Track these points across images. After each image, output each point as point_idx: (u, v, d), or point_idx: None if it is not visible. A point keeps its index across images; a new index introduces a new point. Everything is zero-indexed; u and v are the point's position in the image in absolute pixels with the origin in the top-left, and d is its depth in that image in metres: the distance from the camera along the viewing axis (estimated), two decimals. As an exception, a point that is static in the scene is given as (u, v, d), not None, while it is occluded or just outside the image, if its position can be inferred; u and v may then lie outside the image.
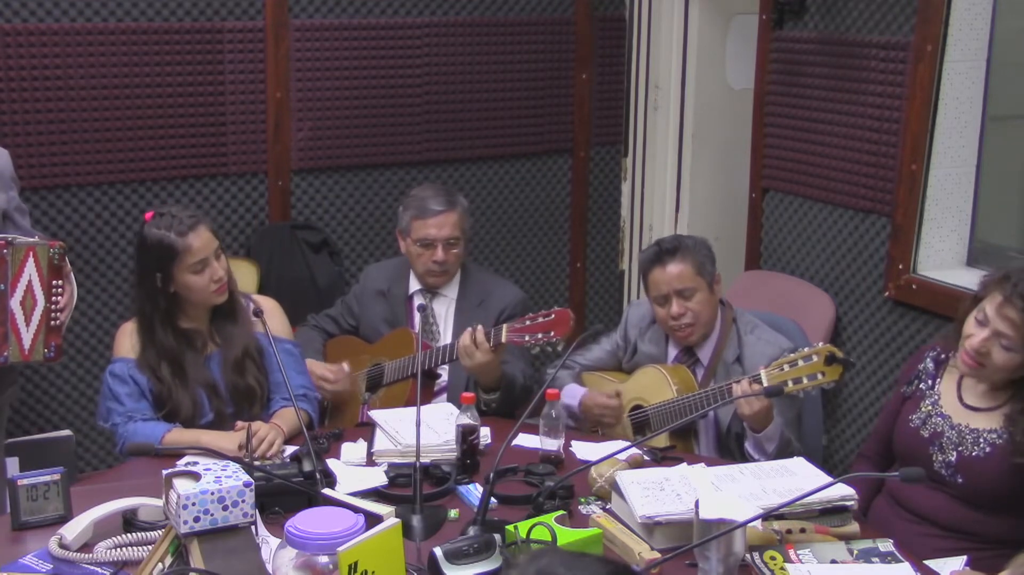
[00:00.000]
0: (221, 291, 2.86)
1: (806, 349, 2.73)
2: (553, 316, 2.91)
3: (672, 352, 3.16)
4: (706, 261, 3.06)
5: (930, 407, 2.65)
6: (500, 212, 4.54)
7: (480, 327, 3.00)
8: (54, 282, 2.86)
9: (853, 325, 3.67)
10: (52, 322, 2.88)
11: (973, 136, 3.41)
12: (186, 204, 3.97)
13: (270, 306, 3.03)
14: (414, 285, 3.42)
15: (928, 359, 2.71)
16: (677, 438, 3.02)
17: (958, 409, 2.61)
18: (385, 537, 1.85)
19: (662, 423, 3.00)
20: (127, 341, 2.90)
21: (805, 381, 2.68)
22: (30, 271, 2.82)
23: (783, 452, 2.88)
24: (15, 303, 2.83)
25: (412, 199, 3.37)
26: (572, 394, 3.18)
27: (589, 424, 3.18)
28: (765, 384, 2.73)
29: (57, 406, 3.92)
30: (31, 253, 2.84)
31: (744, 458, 2.99)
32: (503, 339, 2.96)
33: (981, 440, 2.54)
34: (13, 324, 2.83)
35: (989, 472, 2.52)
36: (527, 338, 2.93)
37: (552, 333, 2.90)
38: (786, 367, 2.72)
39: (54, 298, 2.87)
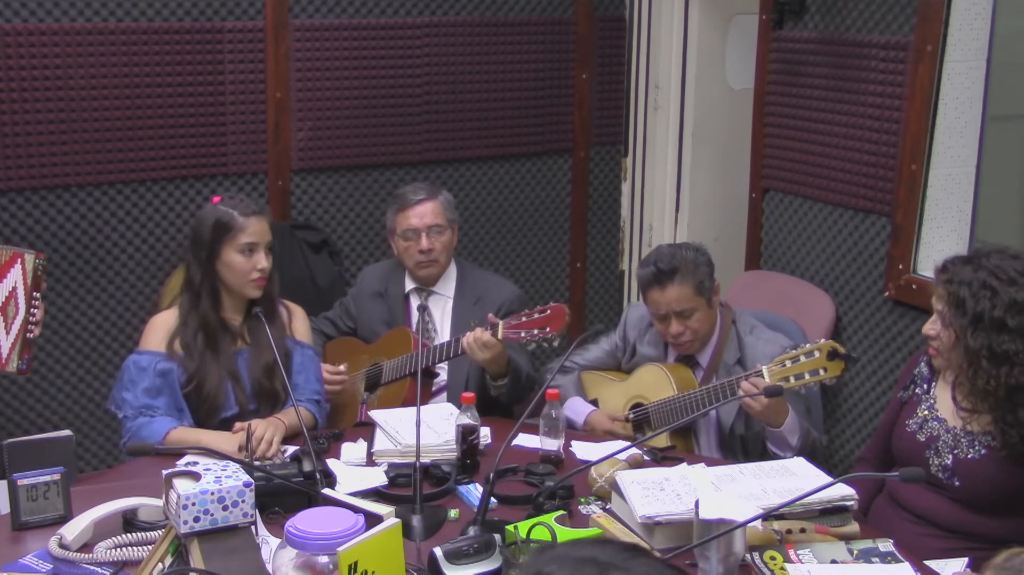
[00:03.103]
0: (259, 283, 2.91)
1: (808, 345, 2.73)
2: (549, 312, 2.93)
3: (672, 354, 3.17)
4: (705, 278, 3.03)
5: (926, 411, 2.66)
6: (500, 212, 4.54)
7: (479, 329, 3.01)
8: (35, 293, 2.76)
9: (853, 325, 3.67)
10: (28, 334, 2.77)
11: (973, 136, 3.41)
12: (189, 201, 3.97)
13: (298, 312, 3.10)
14: (410, 284, 3.43)
15: (923, 363, 2.72)
16: (677, 438, 3.02)
17: (953, 412, 2.61)
18: (385, 537, 1.85)
19: (662, 421, 3.00)
20: (157, 334, 2.92)
21: (807, 377, 2.70)
22: (16, 277, 2.72)
23: (807, 448, 2.90)
24: None
25: (394, 197, 3.42)
26: (576, 410, 3.17)
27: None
28: (767, 379, 2.73)
29: (57, 406, 3.92)
30: (19, 259, 2.74)
31: (747, 458, 3.00)
32: (500, 336, 2.97)
33: (976, 443, 2.55)
34: None
35: (985, 474, 2.53)
36: (523, 334, 2.94)
37: (548, 328, 2.91)
38: (788, 363, 2.73)
39: (32, 310, 2.77)
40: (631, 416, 3.12)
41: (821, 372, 2.69)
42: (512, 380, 3.14)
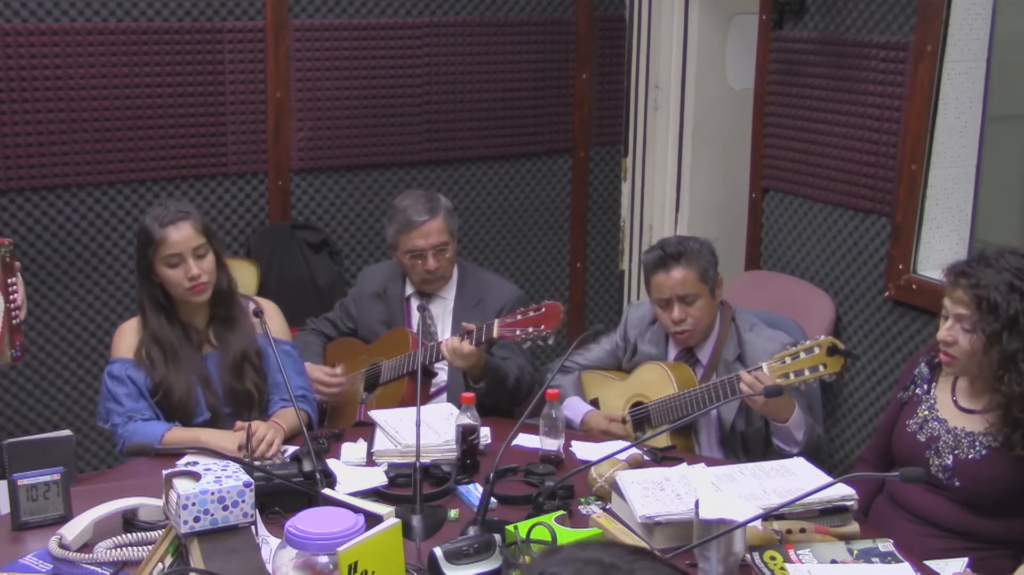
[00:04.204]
0: (197, 291, 2.85)
1: (808, 342, 2.74)
2: (544, 310, 2.93)
3: (672, 352, 3.17)
4: (709, 267, 3.06)
5: (927, 412, 2.65)
6: (500, 212, 4.54)
7: (454, 338, 3.02)
8: (9, 280, 2.74)
9: (853, 325, 3.67)
10: (13, 321, 2.75)
11: (973, 136, 3.41)
12: (189, 201, 3.96)
13: (269, 308, 3.04)
14: (410, 287, 3.43)
15: (923, 364, 2.72)
16: (677, 436, 3.02)
17: (954, 412, 2.61)
18: (385, 537, 1.85)
19: (662, 419, 3.01)
20: (124, 341, 2.90)
21: (807, 373, 2.70)
22: None
23: (812, 442, 2.91)
24: None
25: (394, 212, 3.37)
26: (574, 409, 3.18)
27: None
28: (767, 375, 2.74)
29: (57, 406, 3.92)
30: None
31: (747, 455, 3.00)
32: (495, 334, 2.97)
33: (977, 443, 2.54)
34: None
35: (985, 475, 2.52)
36: (518, 332, 2.94)
37: (543, 327, 2.91)
38: (788, 360, 2.73)
39: (12, 295, 2.75)
40: (628, 418, 3.13)
41: (821, 368, 2.69)
42: (492, 384, 3.14)
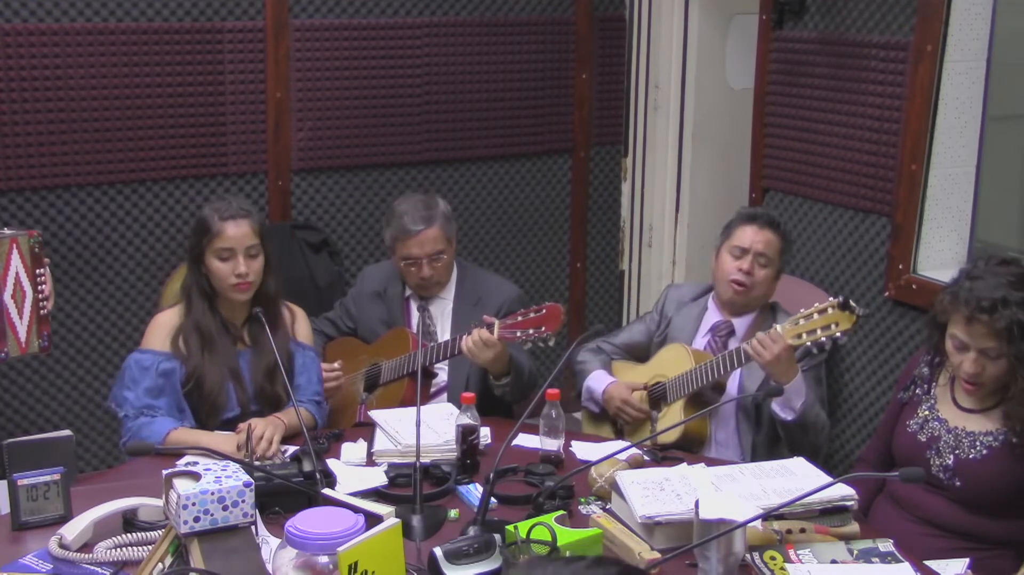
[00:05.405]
0: (241, 288, 2.89)
1: (819, 304, 2.82)
2: (544, 311, 2.93)
3: (710, 320, 3.26)
4: (787, 251, 3.26)
5: (927, 412, 2.66)
6: (500, 212, 4.54)
7: (477, 330, 3.01)
8: (37, 271, 2.84)
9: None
10: (41, 311, 2.85)
11: (973, 136, 3.41)
12: (189, 201, 3.97)
13: (299, 314, 3.10)
14: (409, 288, 3.43)
15: (923, 364, 2.72)
16: (692, 407, 3.08)
17: (954, 412, 2.61)
18: (385, 537, 1.85)
19: (677, 394, 3.10)
20: (160, 331, 2.92)
21: (819, 332, 2.78)
22: (16, 263, 2.79)
23: (809, 417, 2.97)
24: (7, 297, 2.79)
25: (392, 217, 3.35)
26: (599, 379, 3.28)
27: (610, 414, 3.25)
28: (782, 335, 2.84)
29: (57, 406, 3.92)
30: (14, 244, 2.80)
31: (760, 425, 3.11)
32: (495, 335, 2.97)
33: (978, 443, 2.55)
34: (8, 319, 2.81)
35: (986, 475, 2.52)
36: (519, 333, 2.94)
37: (543, 328, 2.91)
38: (802, 321, 2.82)
39: (40, 287, 2.84)
40: (646, 396, 3.20)
41: (833, 327, 2.77)
42: (515, 377, 3.14)
